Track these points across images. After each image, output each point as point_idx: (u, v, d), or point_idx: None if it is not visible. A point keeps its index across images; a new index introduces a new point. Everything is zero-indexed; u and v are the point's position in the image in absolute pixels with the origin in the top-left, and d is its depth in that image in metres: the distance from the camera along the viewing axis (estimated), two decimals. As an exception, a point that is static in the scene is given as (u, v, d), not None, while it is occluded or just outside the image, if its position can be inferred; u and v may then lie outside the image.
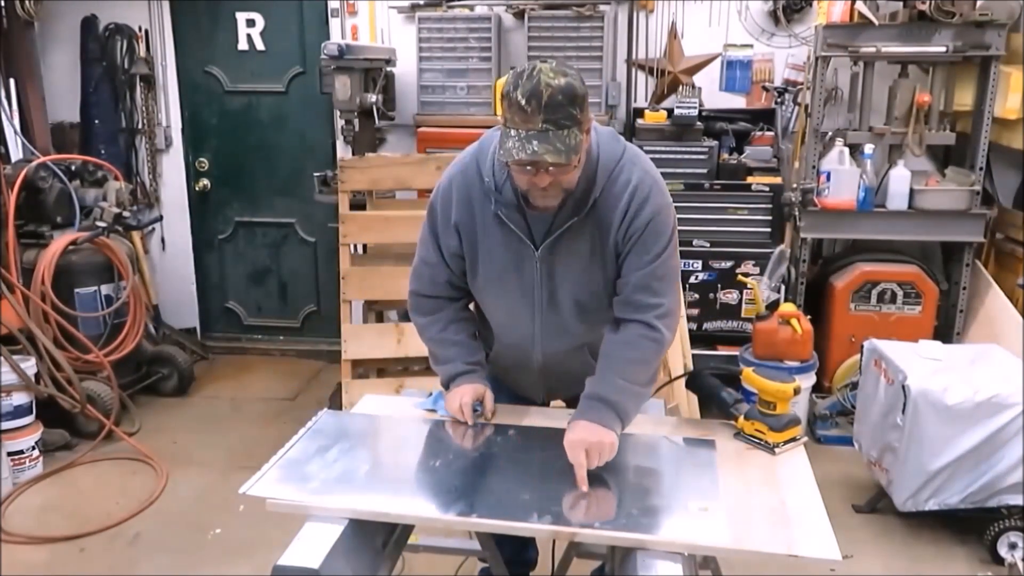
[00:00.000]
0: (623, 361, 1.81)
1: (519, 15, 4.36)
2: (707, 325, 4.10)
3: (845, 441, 3.64)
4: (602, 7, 4.23)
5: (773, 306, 3.78)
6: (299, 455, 1.81)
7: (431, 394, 2.14)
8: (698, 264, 4.01)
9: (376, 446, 1.99)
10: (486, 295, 1.96)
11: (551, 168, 1.62)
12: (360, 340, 3.76)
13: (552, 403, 2.19)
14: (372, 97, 4.06)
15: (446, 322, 1.99)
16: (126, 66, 4.88)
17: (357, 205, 3.95)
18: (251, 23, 4.80)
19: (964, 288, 4.00)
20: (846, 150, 3.89)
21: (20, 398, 3.51)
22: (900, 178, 3.88)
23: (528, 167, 1.63)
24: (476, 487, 1.72)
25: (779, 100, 4.25)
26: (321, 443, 1.87)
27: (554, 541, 2.01)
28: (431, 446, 1.92)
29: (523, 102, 1.57)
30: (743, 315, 4.05)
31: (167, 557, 2.99)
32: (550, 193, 1.69)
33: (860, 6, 3.73)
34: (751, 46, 4.39)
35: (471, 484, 1.73)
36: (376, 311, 4.15)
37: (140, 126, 4.97)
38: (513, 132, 1.60)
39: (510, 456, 1.85)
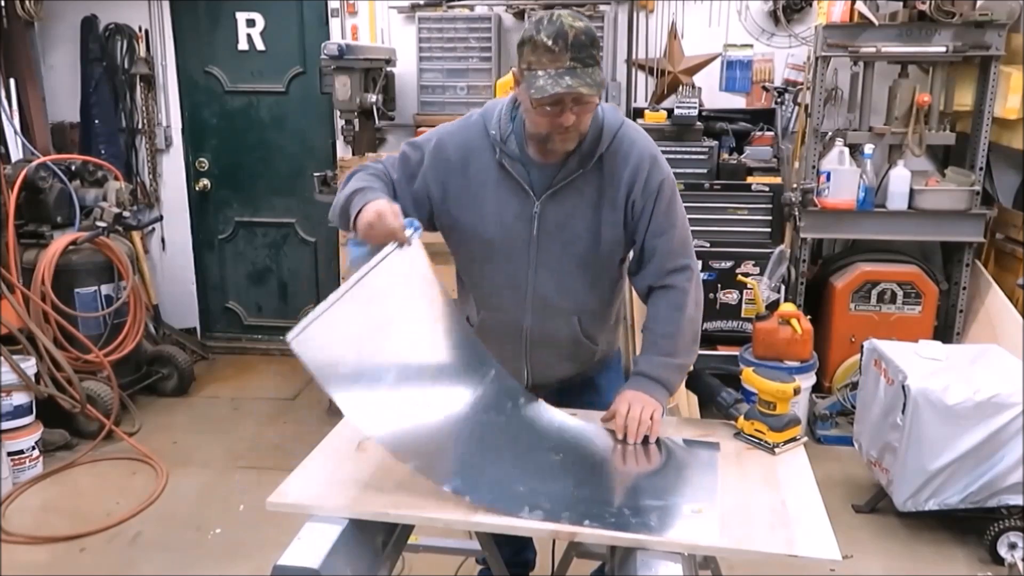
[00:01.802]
0: (660, 337, 1.90)
1: (519, 15, 4.36)
2: (707, 325, 4.09)
3: (845, 441, 3.64)
4: (602, 7, 4.23)
5: (773, 306, 3.78)
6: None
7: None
8: (698, 264, 4.00)
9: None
10: (478, 252, 1.92)
11: (575, 108, 1.67)
12: (360, 340, 3.75)
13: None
14: (372, 97, 4.06)
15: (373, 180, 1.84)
16: (126, 66, 4.88)
17: (357, 205, 3.95)
18: (251, 23, 4.80)
19: (964, 288, 4.00)
20: (846, 150, 3.89)
21: (20, 398, 3.52)
22: (900, 178, 3.88)
23: (554, 106, 1.66)
24: (478, 476, 1.70)
25: (779, 100, 4.25)
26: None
27: (554, 541, 2.01)
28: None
29: (549, 43, 1.63)
30: (743, 315, 4.05)
31: (167, 557, 2.99)
32: (570, 135, 1.74)
33: (860, 6, 3.73)
34: (751, 46, 4.39)
35: (473, 473, 1.71)
36: (376, 311, 4.14)
37: (140, 126, 4.97)
38: (541, 72, 1.64)
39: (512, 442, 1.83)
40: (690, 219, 2.04)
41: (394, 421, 1.65)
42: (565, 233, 1.85)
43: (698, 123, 4.08)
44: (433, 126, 4.57)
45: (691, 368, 1.99)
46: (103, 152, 4.78)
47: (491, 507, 1.58)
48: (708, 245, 4.00)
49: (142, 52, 4.84)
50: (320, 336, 1.56)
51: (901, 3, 3.75)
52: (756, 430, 1.87)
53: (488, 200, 1.86)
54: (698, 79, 4.40)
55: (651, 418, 1.81)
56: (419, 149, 1.90)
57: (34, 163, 3.93)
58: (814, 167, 3.94)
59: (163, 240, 5.16)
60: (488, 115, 1.87)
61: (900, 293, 3.94)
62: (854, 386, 3.71)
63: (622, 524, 1.54)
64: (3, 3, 4.37)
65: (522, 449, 1.81)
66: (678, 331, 1.90)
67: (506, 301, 1.94)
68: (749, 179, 4.02)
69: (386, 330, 1.69)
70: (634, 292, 2.10)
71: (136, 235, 4.52)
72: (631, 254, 1.96)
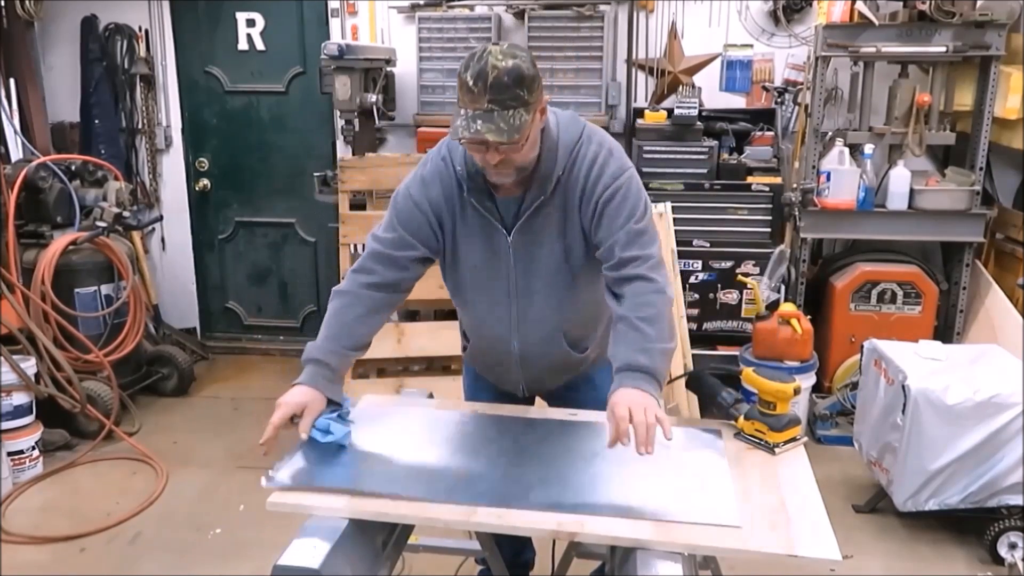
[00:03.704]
0: (638, 322, 1.73)
1: (519, 15, 4.36)
2: (707, 325, 4.10)
3: (845, 441, 3.64)
4: (602, 7, 4.23)
5: (773, 306, 3.78)
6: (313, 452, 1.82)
7: (430, 395, 2.14)
8: (698, 264, 4.02)
9: (386, 441, 1.96)
10: (465, 287, 1.97)
11: (501, 148, 1.67)
12: (360, 340, 3.75)
13: (537, 402, 2.21)
14: (372, 97, 4.06)
15: (354, 298, 1.88)
16: (126, 66, 4.88)
17: (357, 205, 3.96)
18: (251, 23, 4.80)
19: (964, 288, 4.00)
20: (846, 150, 3.89)
21: (20, 398, 3.51)
22: (900, 178, 3.88)
23: (476, 145, 1.69)
24: (477, 478, 1.72)
25: (779, 100, 4.25)
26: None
27: (554, 541, 2.01)
28: (439, 439, 1.93)
29: (470, 83, 1.63)
30: (743, 315, 4.05)
31: (167, 557, 2.99)
32: (502, 171, 1.74)
33: (860, 6, 3.73)
34: (751, 46, 4.39)
35: (472, 475, 1.73)
36: (376, 311, 4.14)
37: (140, 126, 4.97)
38: (462, 111, 1.66)
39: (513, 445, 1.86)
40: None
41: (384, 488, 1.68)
42: (539, 260, 1.88)
43: (698, 123, 4.08)
44: (433, 126, 4.61)
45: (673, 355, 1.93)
46: (103, 152, 4.78)
47: (491, 503, 1.59)
48: (708, 245, 4.00)
49: (142, 52, 4.84)
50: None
51: (901, 3, 3.75)
52: (756, 430, 1.88)
53: (463, 236, 1.89)
54: (698, 79, 4.40)
55: (656, 417, 1.64)
56: (408, 197, 1.90)
57: (34, 163, 3.93)
58: (814, 167, 3.94)
59: (163, 240, 5.16)
60: (454, 148, 1.86)
61: (900, 293, 3.94)
62: (854, 386, 3.71)
63: (636, 512, 1.56)
64: (3, 3, 4.37)
65: (524, 452, 1.82)
66: (658, 315, 1.75)
67: (494, 328, 1.99)
68: (749, 179, 4.02)
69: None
70: None
71: (136, 235, 4.52)
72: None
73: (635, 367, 1.69)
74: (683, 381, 2.21)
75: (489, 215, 1.85)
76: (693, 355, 3.74)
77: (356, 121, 4.12)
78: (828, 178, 3.90)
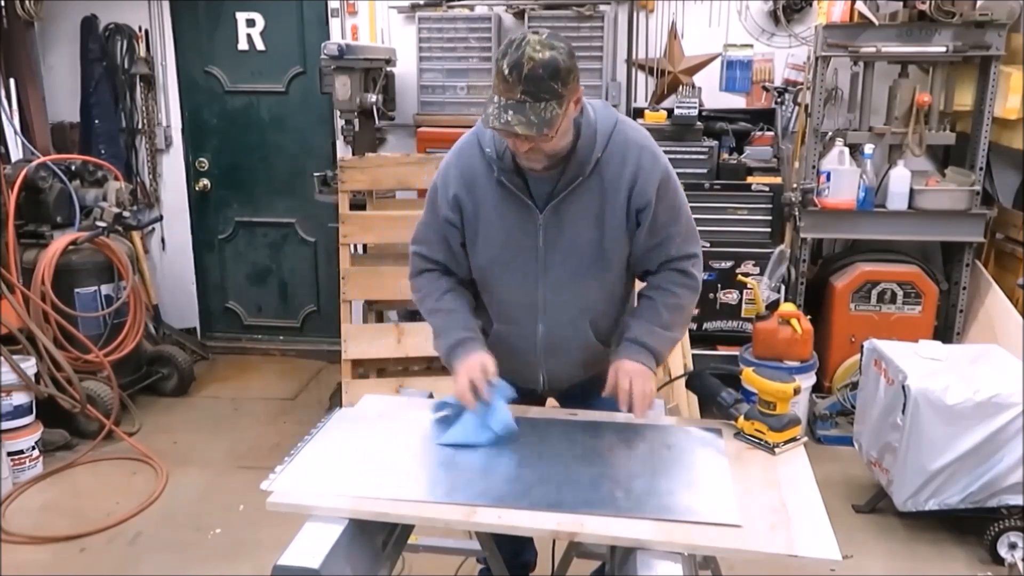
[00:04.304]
0: (661, 307, 1.92)
1: (519, 15, 4.36)
2: (707, 325, 4.10)
3: (845, 441, 3.64)
4: (602, 7, 4.23)
5: (773, 306, 3.78)
6: (315, 452, 1.83)
7: (430, 395, 2.14)
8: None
9: (385, 440, 1.97)
10: (489, 269, 1.96)
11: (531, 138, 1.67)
12: (360, 340, 3.76)
13: (548, 403, 2.20)
14: (372, 97, 4.06)
15: (441, 291, 1.98)
16: (126, 66, 4.89)
17: (357, 205, 3.95)
18: (251, 23, 4.80)
19: (964, 288, 4.00)
20: (846, 150, 3.89)
21: (20, 398, 3.52)
22: (900, 178, 3.88)
23: (506, 134, 1.70)
24: (479, 479, 1.72)
25: (779, 100, 4.25)
26: (335, 439, 1.89)
27: (554, 541, 2.01)
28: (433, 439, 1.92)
29: (506, 71, 1.62)
30: (743, 315, 4.05)
31: (167, 557, 2.99)
32: (532, 157, 1.75)
33: (860, 6, 3.73)
34: (751, 46, 4.39)
35: (472, 475, 1.73)
36: (376, 311, 4.15)
37: (140, 126, 4.97)
38: (496, 98, 1.66)
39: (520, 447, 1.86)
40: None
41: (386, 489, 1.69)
42: (571, 242, 1.87)
43: (698, 123, 4.08)
44: (433, 126, 4.60)
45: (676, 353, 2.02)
46: (103, 152, 4.78)
47: (491, 503, 1.59)
48: (708, 245, 3.99)
49: (142, 52, 4.84)
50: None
51: (901, 3, 3.75)
52: (756, 430, 1.88)
53: (493, 217, 1.88)
54: (698, 79, 4.40)
55: (650, 390, 1.90)
56: (435, 187, 1.96)
57: (34, 163, 3.93)
58: (814, 167, 3.94)
59: (163, 240, 5.16)
60: (482, 132, 1.88)
61: (900, 293, 3.94)
62: (854, 386, 3.71)
63: (636, 512, 1.56)
64: (3, 3, 4.37)
65: (524, 452, 1.83)
66: (681, 306, 1.94)
67: (518, 313, 1.97)
68: (749, 179, 4.02)
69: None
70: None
71: (136, 235, 4.52)
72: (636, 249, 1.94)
73: (644, 344, 1.90)
74: (683, 381, 2.21)
75: (520, 193, 1.84)
76: (693, 355, 3.74)
77: (356, 121, 4.12)
78: (828, 178, 3.90)
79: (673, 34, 4.41)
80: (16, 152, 4.36)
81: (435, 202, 1.95)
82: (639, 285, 2.04)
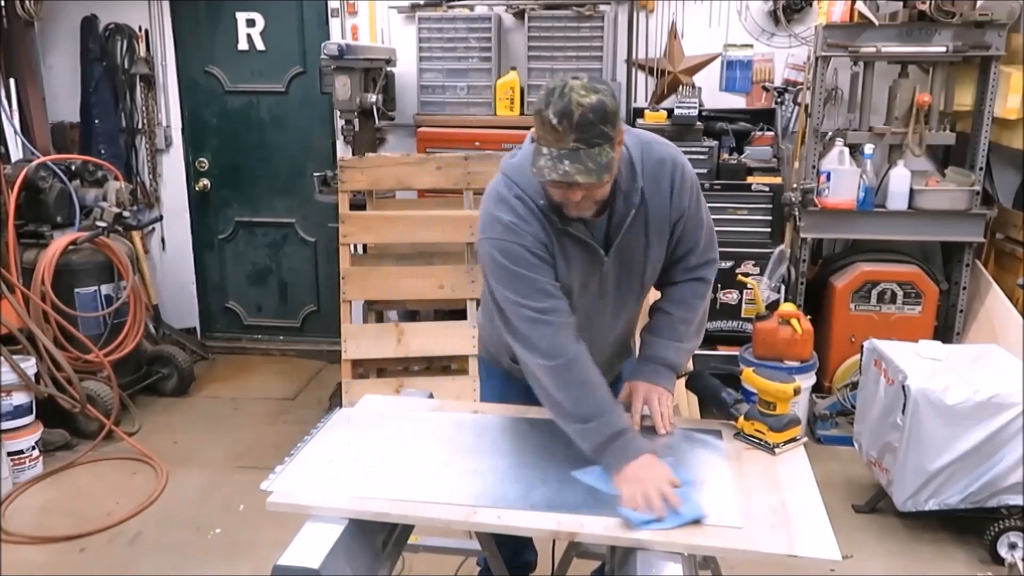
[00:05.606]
0: (679, 322, 1.96)
1: (519, 15, 4.36)
2: (707, 325, 4.07)
3: (845, 441, 3.64)
4: (602, 7, 4.23)
5: (773, 306, 3.78)
6: (315, 452, 1.83)
7: (430, 395, 2.14)
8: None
9: (386, 441, 1.97)
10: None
11: (584, 186, 1.62)
12: (360, 340, 3.76)
13: None
14: (372, 97, 4.06)
15: (571, 358, 1.73)
16: (126, 66, 4.88)
17: (357, 205, 3.95)
18: (251, 23, 4.80)
19: (964, 288, 3.99)
20: (846, 150, 3.89)
21: (20, 398, 3.52)
22: (900, 178, 3.88)
23: (558, 185, 1.63)
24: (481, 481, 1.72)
25: (779, 100, 4.25)
26: (335, 439, 1.89)
27: (554, 541, 2.01)
28: (439, 440, 1.93)
29: (555, 121, 1.56)
30: (743, 315, 4.05)
31: (167, 557, 2.99)
32: (583, 206, 1.71)
33: (860, 6, 3.73)
34: (751, 46, 4.39)
35: (472, 475, 1.73)
36: (376, 311, 4.15)
37: (140, 126, 4.97)
38: (545, 150, 1.59)
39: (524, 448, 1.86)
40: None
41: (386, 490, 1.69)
42: (628, 276, 1.90)
43: (698, 123, 4.07)
44: (433, 126, 4.59)
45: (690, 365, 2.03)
46: (103, 152, 4.78)
47: (491, 503, 1.59)
48: (708, 245, 4.00)
49: (142, 52, 4.84)
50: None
51: (901, 3, 3.75)
52: (756, 430, 1.88)
53: (569, 260, 1.80)
54: (698, 79, 4.40)
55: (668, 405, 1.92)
56: (508, 252, 1.75)
57: (34, 163, 3.93)
58: (814, 167, 3.94)
59: (163, 240, 5.16)
60: (520, 187, 1.76)
61: (900, 293, 3.94)
62: (854, 386, 3.71)
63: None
64: (3, 3, 4.37)
65: (524, 452, 1.83)
66: (696, 319, 1.98)
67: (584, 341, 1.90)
68: (749, 179, 4.02)
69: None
70: None
71: (136, 235, 4.52)
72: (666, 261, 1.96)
73: (667, 363, 1.94)
74: (683, 381, 2.21)
75: (587, 239, 1.79)
76: (693, 355, 3.74)
77: (356, 121, 4.12)
78: (828, 178, 3.90)
79: (673, 34, 4.40)
80: (16, 152, 4.36)
81: (517, 261, 1.74)
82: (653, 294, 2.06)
